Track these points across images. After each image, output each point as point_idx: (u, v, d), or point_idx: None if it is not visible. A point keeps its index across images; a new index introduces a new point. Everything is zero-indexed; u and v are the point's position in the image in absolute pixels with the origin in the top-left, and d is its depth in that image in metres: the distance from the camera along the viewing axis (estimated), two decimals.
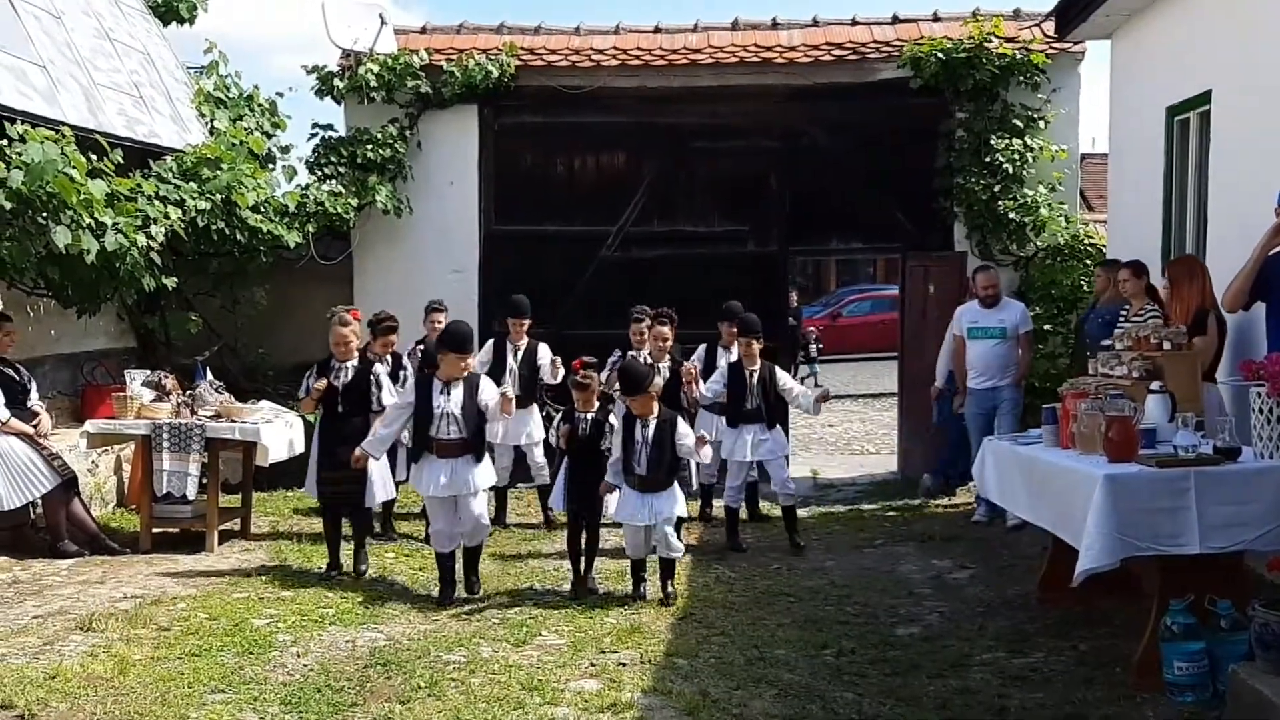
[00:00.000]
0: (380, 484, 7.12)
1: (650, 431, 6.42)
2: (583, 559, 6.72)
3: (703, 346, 8.56)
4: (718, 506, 8.44)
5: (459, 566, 6.64)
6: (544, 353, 8.54)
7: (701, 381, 7.87)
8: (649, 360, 7.80)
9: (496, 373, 8.38)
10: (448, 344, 6.45)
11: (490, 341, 8.71)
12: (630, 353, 8.19)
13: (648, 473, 6.40)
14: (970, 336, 8.44)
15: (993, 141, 10.25)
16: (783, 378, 7.79)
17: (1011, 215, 10.20)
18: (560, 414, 6.91)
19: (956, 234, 10.61)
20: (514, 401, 6.47)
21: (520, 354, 8.61)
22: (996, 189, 10.22)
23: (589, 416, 6.67)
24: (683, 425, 6.49)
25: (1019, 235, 10.28)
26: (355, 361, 7.01)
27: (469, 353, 6.48)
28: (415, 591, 6.74)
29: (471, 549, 6.69)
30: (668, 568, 6.53)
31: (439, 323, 8.41)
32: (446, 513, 6.53)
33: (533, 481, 8.84)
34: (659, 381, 6.60)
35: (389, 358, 7.99)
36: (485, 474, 6.57)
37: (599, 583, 6.76)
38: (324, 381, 6.96)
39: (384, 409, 6.87)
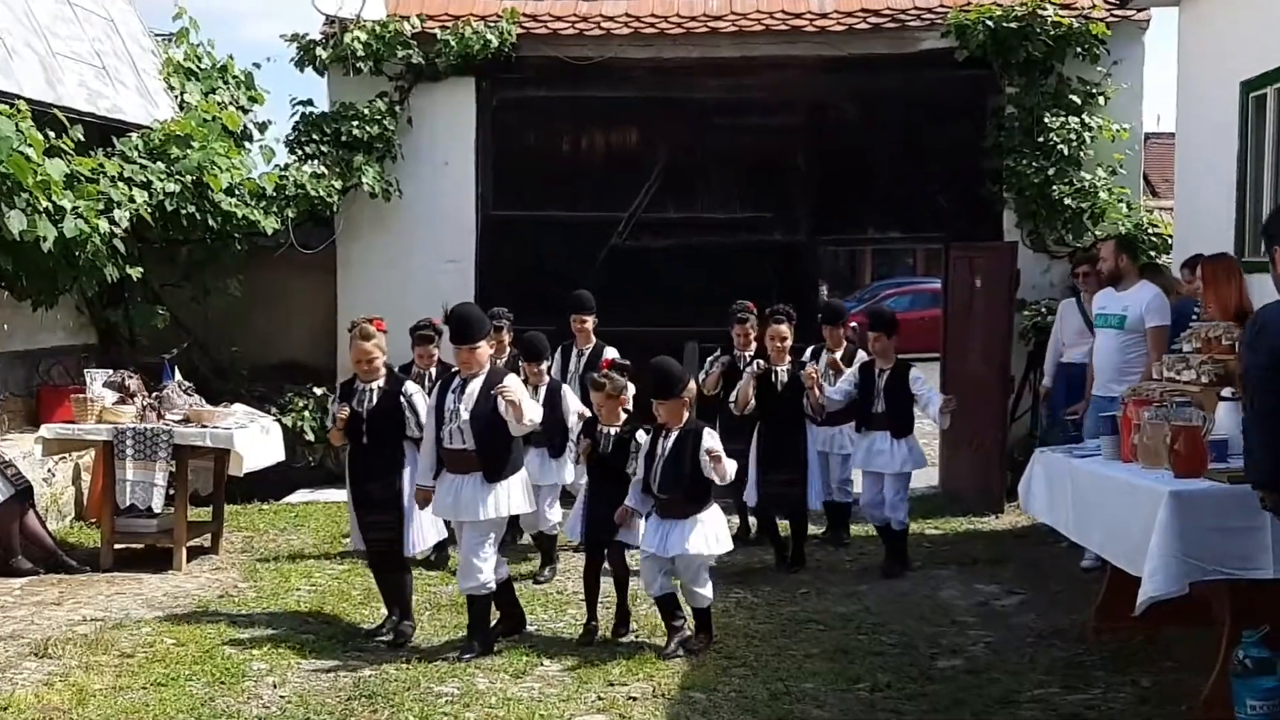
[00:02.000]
0: (428, 525, 6.42)
1: (670, 443, 6.05)
2: (598, 602, 6.37)
3: (809, 351, 8.46)
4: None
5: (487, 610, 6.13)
6: (610, 356, 7.96)
7: (826, 385, 7.72)
8: (761, 364, 7.65)
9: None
10: (450, 331, 6.12)
11: (559, 349, 8.33)
12: (737, 354, 8.11)
13: (661, 491, 6.04)
14: (1095, 325, 7.63)
15: (1046, 120, 10.22)
16: (915, 379, 7.61)
17: (1067, 201, 10.17)
18: (581, 426, 6.67)
19: (1006, 222, 10.57)
20: (520, 405, 5.79)
21: (585, 358, 8.32)
22: (1050, 172, 10.19)
23: (611, 431, 6.32)
24: (709, 437, 6.03)
25: (1075, 224, 10.24)
26: (382, 381, 6.36)
27: (474, 341, 5.92)
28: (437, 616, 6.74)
29: (474, 602, 6.05)
30: (697, 618, 6.13)
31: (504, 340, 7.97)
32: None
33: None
34: (693, 387, 6.27)
35: (432, 372, 7.59)
36: (501, 501, 5.95)
37: (635, 633, 6.38)
38: (346, 409, 6.32)
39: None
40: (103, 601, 7.05)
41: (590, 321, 8.47)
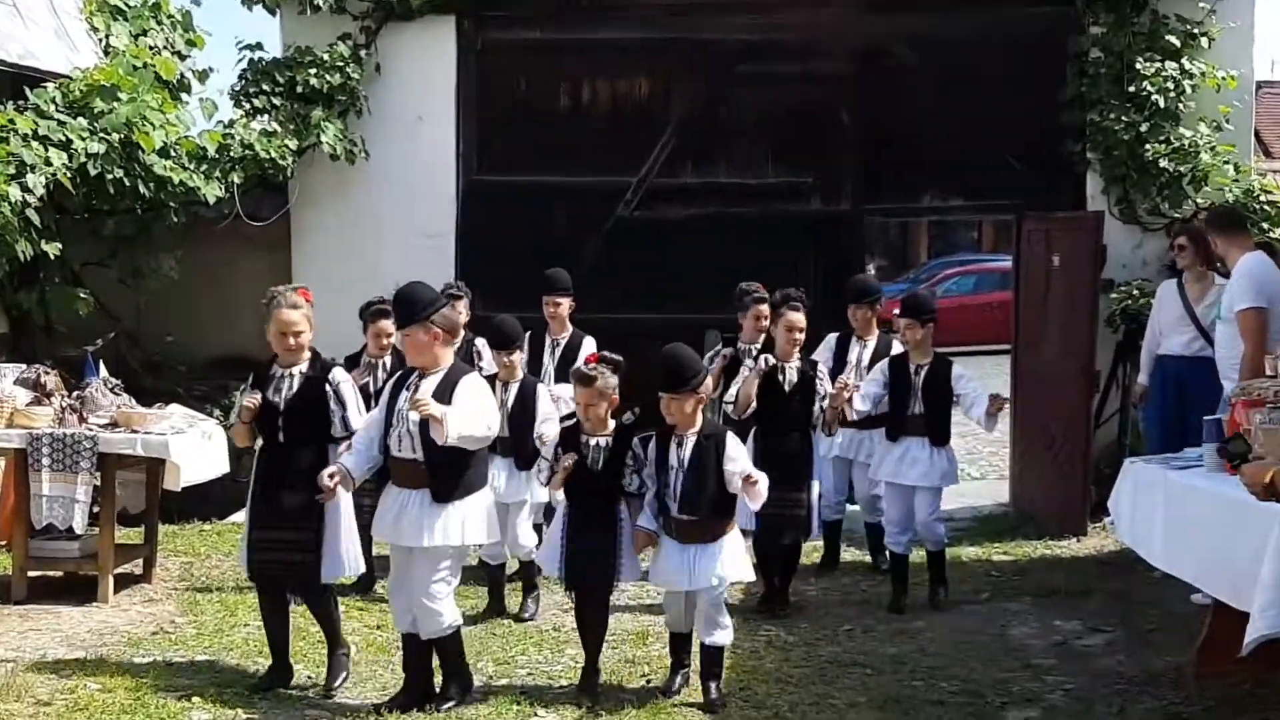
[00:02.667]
0: (345, 548, 6.22)
1: (687, 452, 6.02)
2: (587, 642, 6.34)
3: (832, 338, 8.50)
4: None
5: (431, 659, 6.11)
6: (589, 348, 7.98)
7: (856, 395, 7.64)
8: (769, 360, 7.52)
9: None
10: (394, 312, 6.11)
11: (528, 335, 8.17)
12: (742, 346, 8.13)
13: (682, 511, 6.01)
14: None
15: (1139, 65, 10.19)
16: (960, 377, 7.60)
17: (1163, 163, 10.14)
18: (559, 434, 6.39)
19: (1089, 188, 10.57)
20: (441, 420, 5.64)
21: (560, 350, 8.32)
22: (1143, 128, 10.16)
23: (600, 442, 6.16)
24: (734, 444, 6.06)
25: (1173, 190, 10.22)
26: (305, 366, 6.23)
27: (406, 324, 5.87)
28: (371, 656, 6.78)
29: (441, 645, 6.04)
30: (711, 659, 6.10)
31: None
32: (399, 567, 6.06)
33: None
34: (709, 383, 6.22)
35: (387, 360, 7.62)
36: (452, 527, 5.85)
37: (648, 679, 6.40)
38: (258, 397, 6.18)
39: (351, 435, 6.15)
40: (14, 639, 7.05)
41: (566, 305, 8.46)
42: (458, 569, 6.08)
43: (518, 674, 6.56)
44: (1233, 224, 7.73)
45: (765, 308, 8.14)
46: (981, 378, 8.13)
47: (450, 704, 5.95)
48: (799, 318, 7.57)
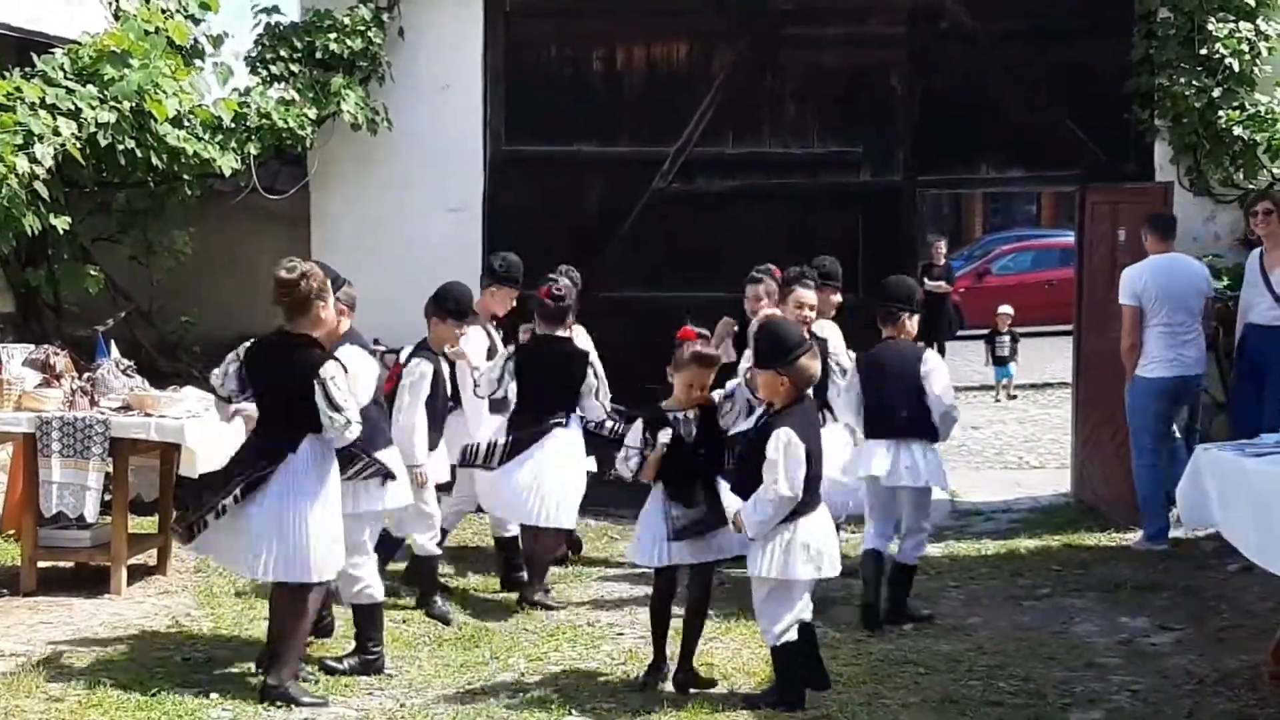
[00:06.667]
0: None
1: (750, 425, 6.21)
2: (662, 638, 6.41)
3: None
4: None
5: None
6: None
7: None
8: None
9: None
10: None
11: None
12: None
13: (736, 490, 6.09)
14: None
15: (1211, 26, 10.10)
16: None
17: (1237, 130, 10.06)
18: (643, 422, 6.30)
19: (1158, 157, 10.50)
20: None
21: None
22: (1216, 93, 10.08)
23: (690, 414, 6.26)
24: (778, 439, 5.96)
25: (1247, 159, 10.14)
26: None
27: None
28: (399, 651, 6.82)
29: (356, 608, 6.62)
30: (773, 662, 6.15)
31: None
32: None
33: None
34: (807, 364, 6.05)
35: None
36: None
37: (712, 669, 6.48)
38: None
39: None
40: (24, 632, 7.12)
41: (512, 297, 8.49)
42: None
43: (550, 670, 6.59)
44: None
45: (760, 289, 8.26)
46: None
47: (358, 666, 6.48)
48: (808, 295, 7.78)
